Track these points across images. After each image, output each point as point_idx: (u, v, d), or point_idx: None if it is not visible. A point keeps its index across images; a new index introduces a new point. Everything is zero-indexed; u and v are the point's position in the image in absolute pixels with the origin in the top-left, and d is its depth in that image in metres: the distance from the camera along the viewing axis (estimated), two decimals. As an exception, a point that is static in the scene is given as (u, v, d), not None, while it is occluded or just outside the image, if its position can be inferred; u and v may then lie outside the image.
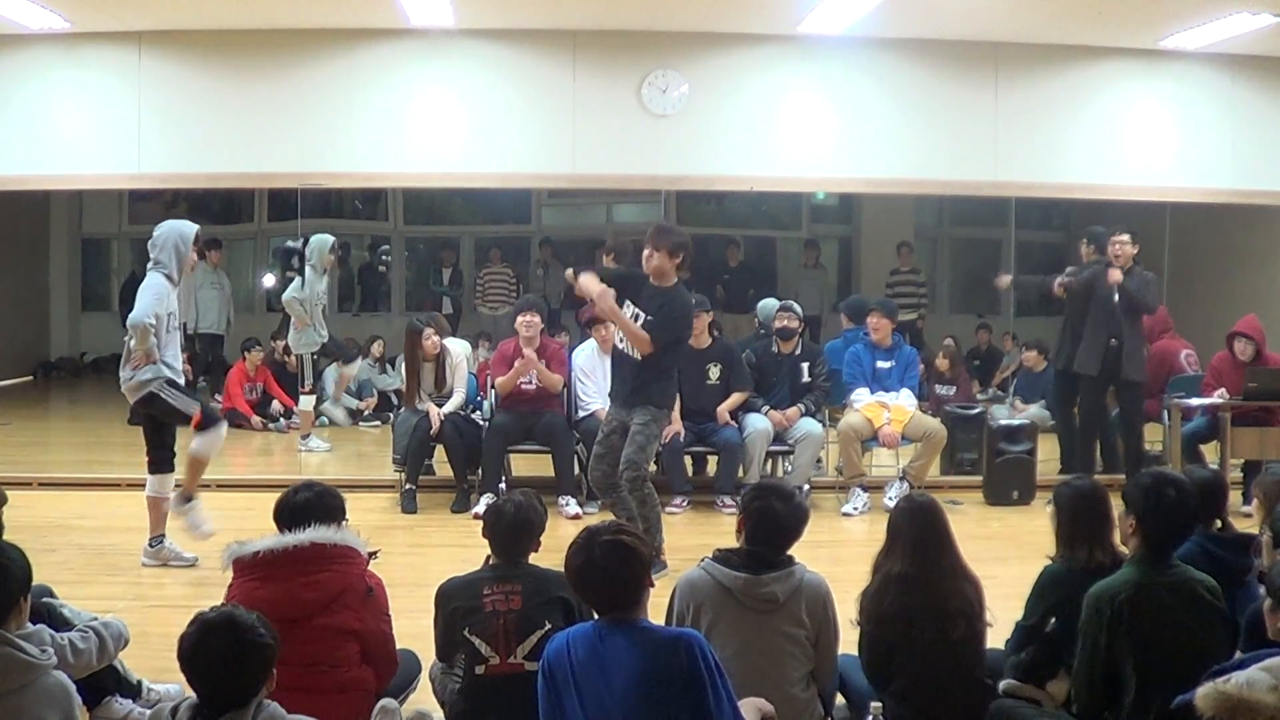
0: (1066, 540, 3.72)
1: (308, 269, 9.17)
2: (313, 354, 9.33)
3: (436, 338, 7.74)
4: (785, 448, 7.70)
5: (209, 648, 2.61)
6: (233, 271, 14.80)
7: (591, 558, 2.94)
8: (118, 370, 5.95)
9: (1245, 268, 10.71)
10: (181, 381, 5.99)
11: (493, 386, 7.75)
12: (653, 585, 2.99)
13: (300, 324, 9.16)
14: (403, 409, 7.98)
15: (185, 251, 5.86)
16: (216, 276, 12.09)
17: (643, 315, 5.74)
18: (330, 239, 9.30)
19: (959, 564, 3.65)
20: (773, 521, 3.48)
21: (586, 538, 2.99)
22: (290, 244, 9.15)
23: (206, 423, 5.92)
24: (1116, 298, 7.77)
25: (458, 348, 7.95)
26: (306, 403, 9.47)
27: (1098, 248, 8.18)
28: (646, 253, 5.75)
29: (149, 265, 5.88)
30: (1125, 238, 7.86)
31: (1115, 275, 7.76)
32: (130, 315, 5.74)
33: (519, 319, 7.63)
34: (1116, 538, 3.68)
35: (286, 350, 10.13)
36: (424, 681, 3.86)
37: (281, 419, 10.58)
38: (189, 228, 5.92)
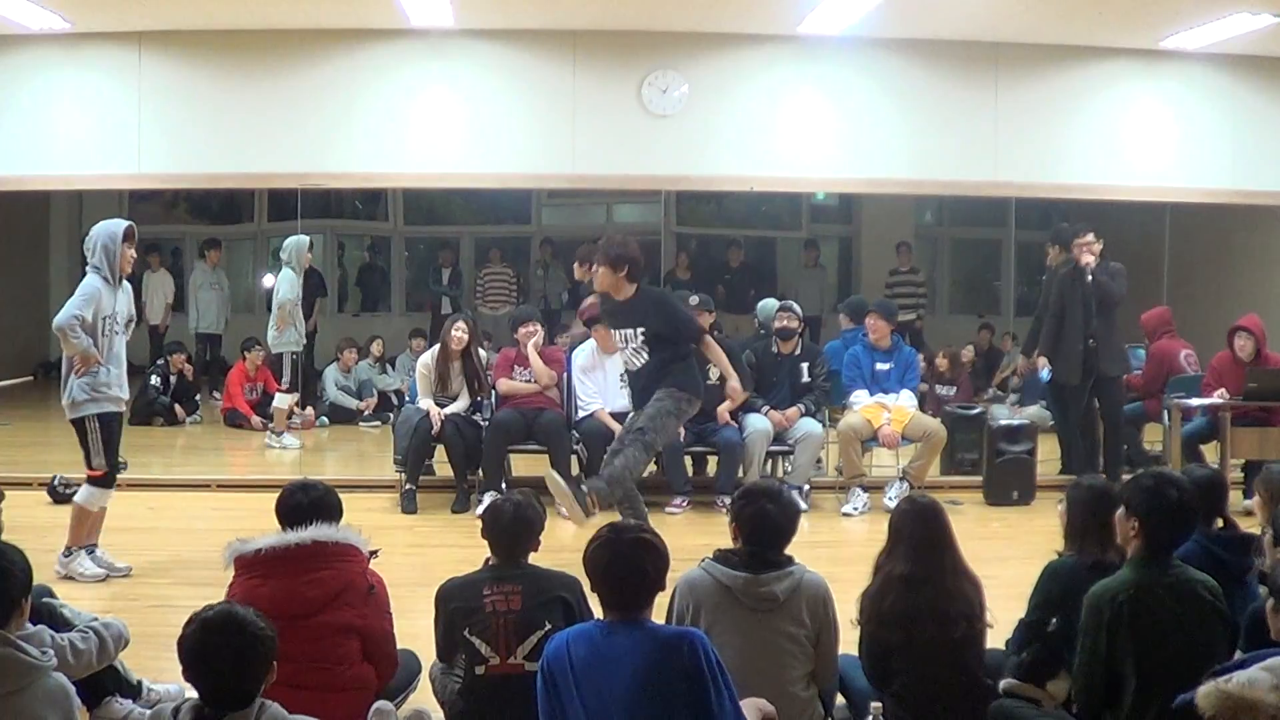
0: (1078, 536, 3.74)
1: (287, 269, 9.18)
2: (293, 353, 9.33)
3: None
4: (785, 448, 7.70)
5: (212, 646, 2.60)
6: (232, 272, 14.78)
7: (617, 554, 2.94)
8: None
9: (1245, 268, 10.71)
10: (123, 395, 5.77)
11: (493, 386, 7.76)
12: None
13: (282, 324, 9.18)
14: (403, 408, 7.96)
15: (115, 249, 5.64)
16: (215, 276, 12.11)
17: (636, 332, 5.78)
18: (306, 239, 9.33)
19: (960, 565, 3.65)
20: (767, 523, 3.48)
21: (612, 534, 3.00)
22: None
23: (104, 480, 5.70)
24: (1090, 285, 7.76)
25: (481, 355, 7.89)
26: (282, 400, 9.48)
27: (1063, 246, 8.18)
28: (593, 270, 5.76)
29: (86, 268, 5.67)
30: (1089, 238, 7.86)
31: (1086, 259, 7.77)
32: (56, 318, 5.50)
33: (520, 330, 7.76)
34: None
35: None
36: (424, 681, 3.86)
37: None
38: (117, 225, 5.73)
